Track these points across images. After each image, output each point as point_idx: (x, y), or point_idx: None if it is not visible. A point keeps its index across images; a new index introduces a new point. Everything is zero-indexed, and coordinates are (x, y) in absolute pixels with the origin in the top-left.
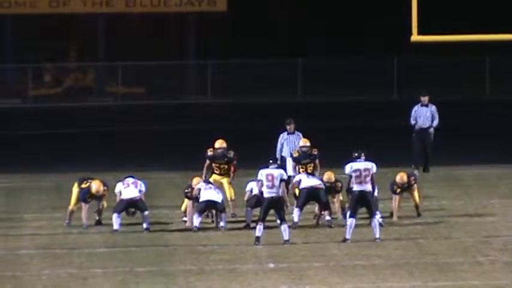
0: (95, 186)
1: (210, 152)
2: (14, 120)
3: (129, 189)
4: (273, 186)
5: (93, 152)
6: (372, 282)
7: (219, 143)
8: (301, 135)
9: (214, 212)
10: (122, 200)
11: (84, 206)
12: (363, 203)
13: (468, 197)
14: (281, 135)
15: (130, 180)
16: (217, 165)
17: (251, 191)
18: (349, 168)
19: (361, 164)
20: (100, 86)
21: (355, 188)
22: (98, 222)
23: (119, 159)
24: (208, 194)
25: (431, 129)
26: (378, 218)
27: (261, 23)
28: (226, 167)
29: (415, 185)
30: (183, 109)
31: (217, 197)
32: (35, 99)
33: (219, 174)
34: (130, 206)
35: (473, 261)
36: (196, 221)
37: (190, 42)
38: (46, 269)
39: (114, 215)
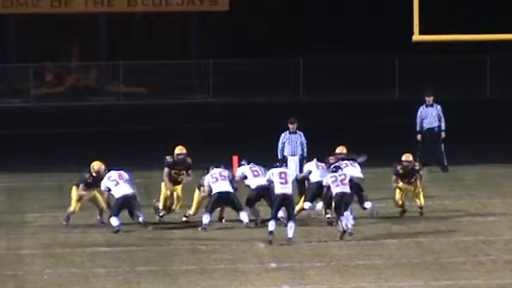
0: (97, 165)
1: (169, 159)
2: (16, 119)
3: (120, 186)
4: (286, 182)
5: (94, 151)
6: (373, 281)
7: (179, 149)
8: (302, 135)
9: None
10: (116, 200)
11: (83, 190)
12: (344, 202)
13: (469, 196)
14: (282, 135)
15: (115, 175)
16: (177, 171)
17: (244, 176)
18: (325, 180)
19: (337, 174)
20: (102, 86)
21: (335, 190)
22: (101, 222)
23: (120, 159)
24: (221, 185)
25: (443, 133)
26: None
27: (263, 22)
28: (184, 173)
29: (419, 182)
30: (185, 108)
31: (229, 187)
32: (37, 98)
33: (175, 182)
34: (125, 205)
35: (475, 260)
36: (206, 219)
37: (192, 42)
38: (48, 269)
39: (112, 218)
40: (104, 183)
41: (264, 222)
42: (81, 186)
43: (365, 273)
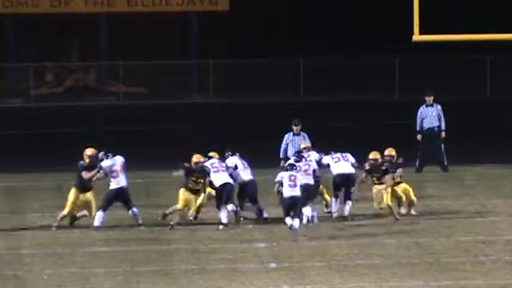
0: (90, 151)
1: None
2: (16, 119)
3: (118, 178)
4: (295, 186)
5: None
6: (373, 281)
7: (197, 158)
8: (306, 137)
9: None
10: (110, 190)
11: (87, 173)
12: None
13: (469, 196)
14: (286, 136)
15: (117, 164)
16: (195, 179)
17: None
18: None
19: (301, 163)
20: (102, 86)
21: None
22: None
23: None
24: (222, 177)
25: (443, 133)
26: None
27: (263, 22)
28: (202, 181)
29: (388, 181)
30: (185, 108)
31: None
32: (37, 98)
33: (194, 191)
34: (118, 198)
35: (475, 260)
36: (224, 216)
37: (192, 42)
38: (48, 269)
39: (99, 212)
40: (106, 166)
41: (267, 219)
42: (83, 173)
43: (365, 273)
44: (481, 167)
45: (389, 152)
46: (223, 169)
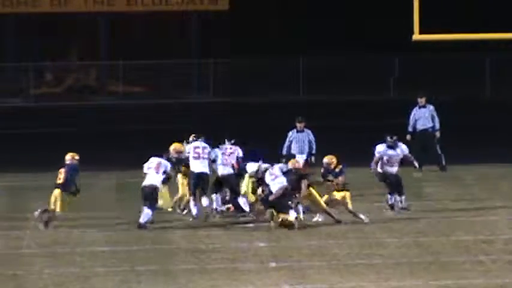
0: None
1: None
2: (15, 119)
3: (149, 176)
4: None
5: (94, 151)
6: (373, 281)
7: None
8: (310, 133)
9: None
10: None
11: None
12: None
13: (469, 196)
14: (290, 133)
15: (153, 163)
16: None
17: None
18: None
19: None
20: (101, 85)
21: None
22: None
23: (120, 158)
24: (199, 165)
25: (437, 133)
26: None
27: (263, 21)
28: None
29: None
30: (185, 108)
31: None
32: (36, 98)
33: None
34: (143, 195)
35: (474, 260)
36: (194, 208)
37: (192, 41)
38: (48, 268)
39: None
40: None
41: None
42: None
43: (365, 273)
44: (481, 167)
45: (329, 159)
46: (204, 156)
